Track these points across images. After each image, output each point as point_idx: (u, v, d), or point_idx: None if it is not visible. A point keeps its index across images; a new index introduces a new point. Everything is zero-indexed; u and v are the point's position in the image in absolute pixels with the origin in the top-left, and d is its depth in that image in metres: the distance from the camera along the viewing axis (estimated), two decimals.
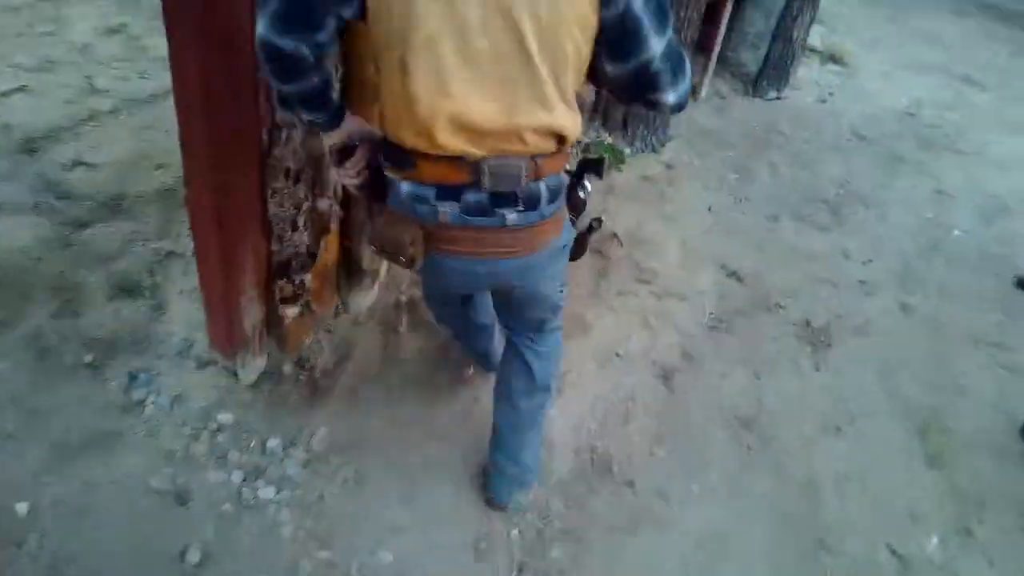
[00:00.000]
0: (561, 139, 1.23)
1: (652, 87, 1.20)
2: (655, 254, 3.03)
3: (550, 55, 1.13)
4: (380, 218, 1.31)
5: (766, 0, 4.54)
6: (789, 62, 4.71)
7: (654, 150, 3.85)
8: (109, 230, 2.45)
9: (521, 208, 1.26)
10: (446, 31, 1.09)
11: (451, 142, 1.17)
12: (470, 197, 1.24)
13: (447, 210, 1.25)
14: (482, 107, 1.14)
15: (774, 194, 3.65)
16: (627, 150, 3.75)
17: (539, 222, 1.30)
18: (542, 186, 1.27)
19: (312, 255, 2.01)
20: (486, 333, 2.00)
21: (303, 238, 1.95)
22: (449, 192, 1.24)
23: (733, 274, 3.00)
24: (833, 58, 5.51)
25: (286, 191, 1.80)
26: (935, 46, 6.32)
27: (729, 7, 4.28)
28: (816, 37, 5.40)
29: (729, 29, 4.59)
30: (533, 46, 1.11)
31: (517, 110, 1.15)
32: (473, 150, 1.18)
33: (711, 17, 4.13)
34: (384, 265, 2.46)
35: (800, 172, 3.90)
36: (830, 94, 4.99)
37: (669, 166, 3.75)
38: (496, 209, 1.25)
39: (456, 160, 1.19)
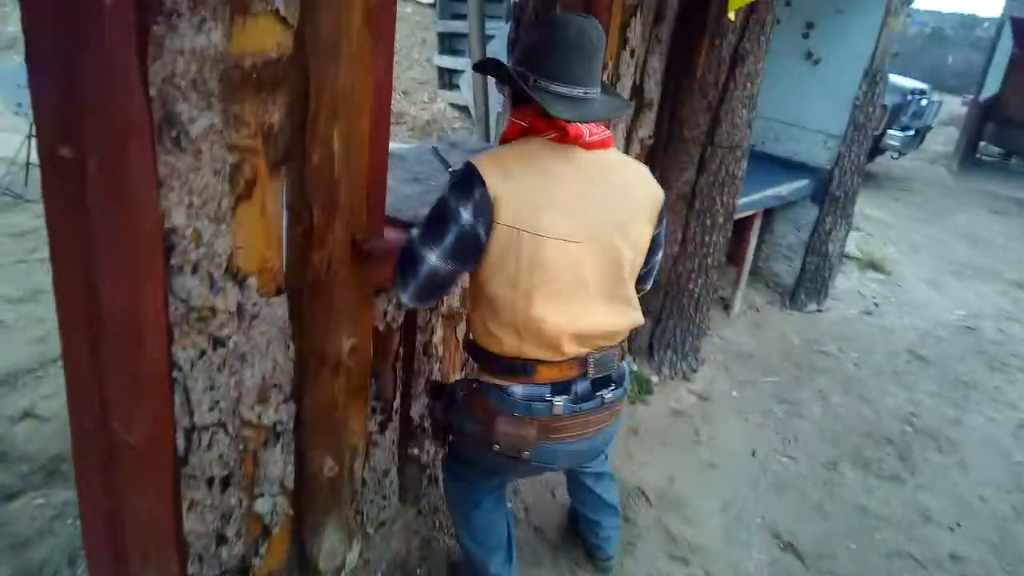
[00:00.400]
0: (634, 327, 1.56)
1: (650, 279, 1.68)
2: (692, 519, 2.51)
3: (633, 273, 1.49)
4: (501, 420, 1.45)
5: (795, 214, 4.36)
6: (827, 274, 4.43)
7: (685, 377, 3.46)
8: (38, 502, 2.09)
9: (614, 387, 1.52)
10: (565, 267, 1.35)
11: (574, 350, 1.42)
12: (578, 387, 1.47)
13: (560, 403, 1.44)
14: (596, 320, 1.42)
15: (828, 433, 3.16)
16: (654, 378, 3.37)
17: (623, 394, 1.57)
18: (625, 365, 1.57)
19: (245, 570, 1.58)
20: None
21: (234, 550, 1.54)
22: (561, 387, 1.46)
23: (789, 547, 2.45)
24: (873, 265, 5.24)
25: (209, 502, 1.42)
26: (979, 248, 6.04)
27: (758, 222, 4.10)
28: (852, 243, 5.19)
29: (760, 241, 4.40)
30: (627, 271, 1.44)
31: (619, 317, 1.46)
32: (586, 351, 1.44)
33: (740, 231, 3.95)
34: (356, 551, 2.01)
35: (856, 403, 3.43)
36: (875, 305, 4.64)
37: (703, 397, 3.33)
38: (596, 393, 1.49)
39: (570, 360, 1.44)
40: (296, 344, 1.53)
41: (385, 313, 1.83)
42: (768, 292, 4.54)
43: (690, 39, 2.78)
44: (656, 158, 3.05)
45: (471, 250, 1.34)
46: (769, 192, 3.86)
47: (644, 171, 1.51)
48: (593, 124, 1.37)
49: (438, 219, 1.34)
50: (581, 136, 1.35)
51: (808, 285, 4.40)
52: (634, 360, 3.43)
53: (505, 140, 1.45)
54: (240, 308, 1.35)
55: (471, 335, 1.53)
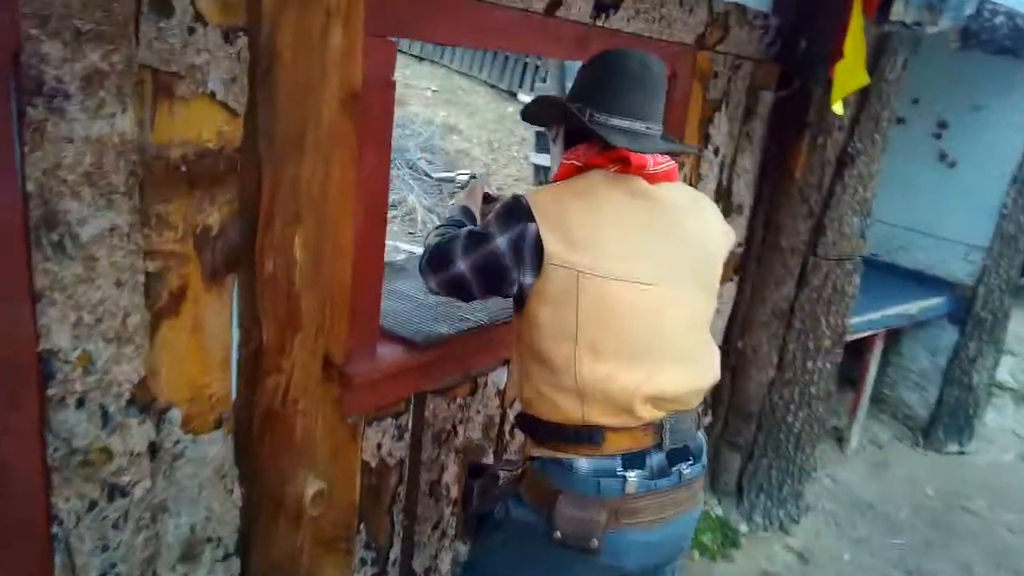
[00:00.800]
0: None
1: None
2: None
3: (709, 321, 1.32)
4: (564, 500, 1.20)
5: (929, 335, 3.70)
6: (971, 408, 3.68)
7: (782, 528, 2.86)
8: None
9: (691, 461, 1.28)
10: (634, 315, 1.17)
11: (649, 413, 1.21)
12: (653, 460, 1.24)
13: (634, 478, 1.22)
14: (673, 378, 1.22)
15: None
16: (742, 527, 2.81)
17: (702, 472, 1.33)
18: (701, 435, 1.33)
19: None
20: None
21: None
22: (634, 459, 1.23)
23: None
24: None
25: None
26: None
27: (880, 344, 3.50)
28: (1005, 371, 4.35)
29: (884, 363, 3.76)
30: (703, 319, 1.30)
31: (698, 374, 1.27)
32: (661, 415, 1.23)
33: (859, 351, 3.38)
34: None
35: None
36: None
37: (803, 557, 2.72)
38: (672, 467, 1.26)
39: (644, 426, 1.23)
40: (244, 487, 1.26)
41: (379, 446, 1.53)
42: (895, 425, 3.84)
43: (788, 136, 2.41)
44: (747, 269, 2.64)
45: (495, 279, 1.21)
46: (894, 310, 3.29)
47: (713, 206, 1.37)
48: (657, 155, 1.25)
49: (479, 235, 1.22)
50: (645, 166, 1.22)
51: (947, 420, 3.67)
52: (719, 503, 2.89)
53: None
54: (155, 448, 1.09)
55: (521, 405, 1.31)
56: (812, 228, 2.45)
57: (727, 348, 2.79)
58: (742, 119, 2.36)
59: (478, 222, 1.46)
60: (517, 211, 1.17)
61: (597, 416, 1.20)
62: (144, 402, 1.05)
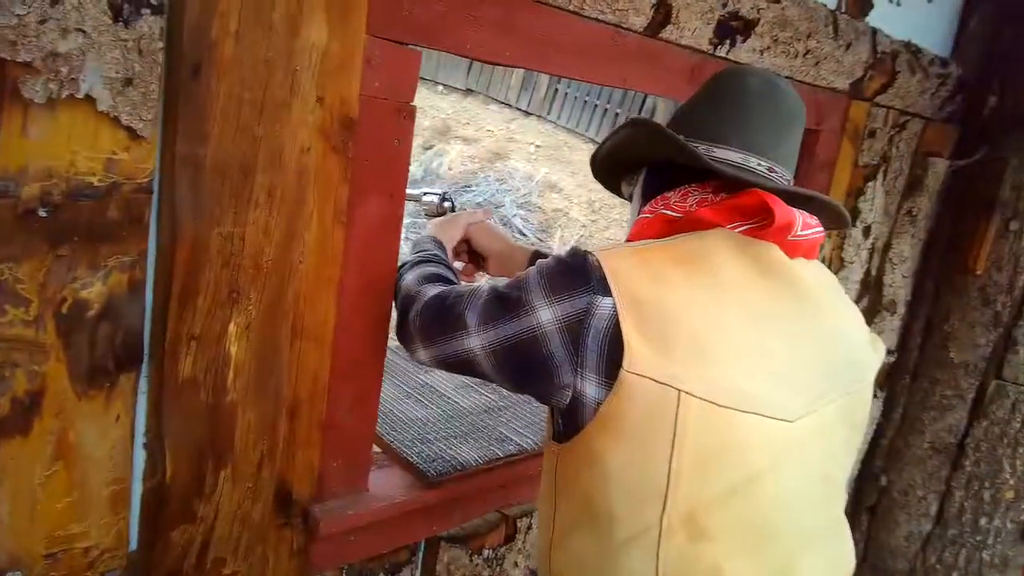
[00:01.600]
0: None
1: None
2: None
3: (849, 477, 0.92)
4: None
5: None
6: None
7: None
8: None
9: None
10: (763, 470, 0.73)
11: None
12: None
13: None
14: (811, 571, 0.81)
15: None
16: None
17: None
18: None
19: None
20: None
21: None
22: None
23: None
24: None
25: None
26: None
27: None
28: None
29: None
30: (846, 474, 0.88)
31: (842, 564, 0.87)
32: None
33: None
34: None
35: None
36: None
37: None
38: None
39: None
40: None
41: None
42: None
43: (967, 219, 1.85)
44: (899, 385, 2.04)
45: (528, 373, 0.77)
46: None
47: (853, 305, 0.92)
48: (802, 210, 0.81)
49: (507, 297, 0.79)
50: (792, 226, 0.76)
51: None
52: None
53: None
54: None
55: None
56: (998, 341, 1.84)
57: (860, 484, 2.18)
58: (903, 192, 1.83)
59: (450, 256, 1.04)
60: (580, 273, 0.74)
61: None
62: None
